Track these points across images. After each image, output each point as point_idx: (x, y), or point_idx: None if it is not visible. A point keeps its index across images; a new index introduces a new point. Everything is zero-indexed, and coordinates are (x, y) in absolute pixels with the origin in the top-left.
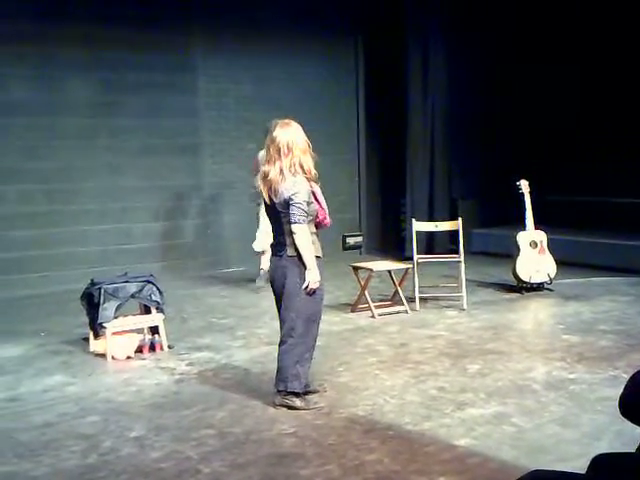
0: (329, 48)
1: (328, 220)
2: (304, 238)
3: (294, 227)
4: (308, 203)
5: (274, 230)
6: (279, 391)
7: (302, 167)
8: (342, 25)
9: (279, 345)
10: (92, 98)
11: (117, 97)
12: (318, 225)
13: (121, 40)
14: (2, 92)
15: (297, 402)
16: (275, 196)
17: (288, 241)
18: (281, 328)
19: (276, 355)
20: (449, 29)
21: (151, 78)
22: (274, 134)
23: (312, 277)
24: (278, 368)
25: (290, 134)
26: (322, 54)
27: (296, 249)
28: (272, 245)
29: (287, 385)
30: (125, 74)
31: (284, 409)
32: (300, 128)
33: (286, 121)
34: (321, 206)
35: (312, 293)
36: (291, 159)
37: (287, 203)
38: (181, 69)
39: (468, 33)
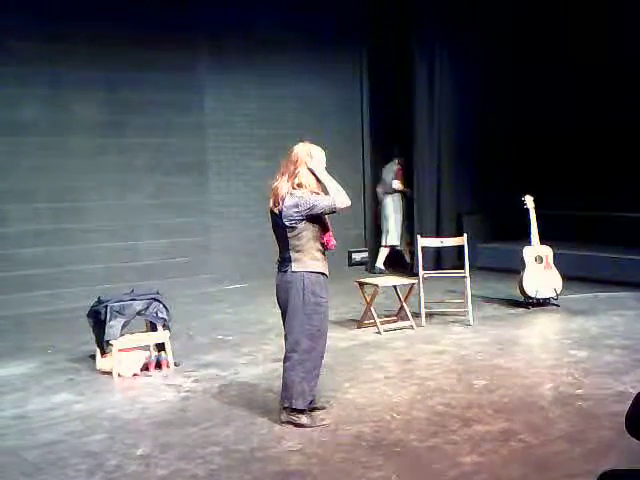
0: (333, 62)
1: (333, 242)
2: (344, 197)
3: (337, 204)
4: (312, 215)
5: (279, 246)
6: (284, 408)
7: (307, 183)
8: (346, 39)
9: (284, 361)
10: (100, 117)
11: (124, 116)
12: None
13: (128, 60)
14: (11, 112)
15: (303, 419)
16: (282, 205)
17: (293, 257)
18: (286, 344)
19: (282, 372)
20: (455, 44)
21: (158, 97)
22: (293, 148)
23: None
24: (283, 384)
25: (304, 150)
26: (326, 69)
27: (299, 265)
28: (278, 261)
29: (292, 402)
30: (132, 93)
31: (290, 426)
32: (319, 150)
33: (309, 141)
34: (326, 225)
35: (299, 316)
36: (299, 174)
37: (298, 213)
38: (187, 88)
39: (474, 49)
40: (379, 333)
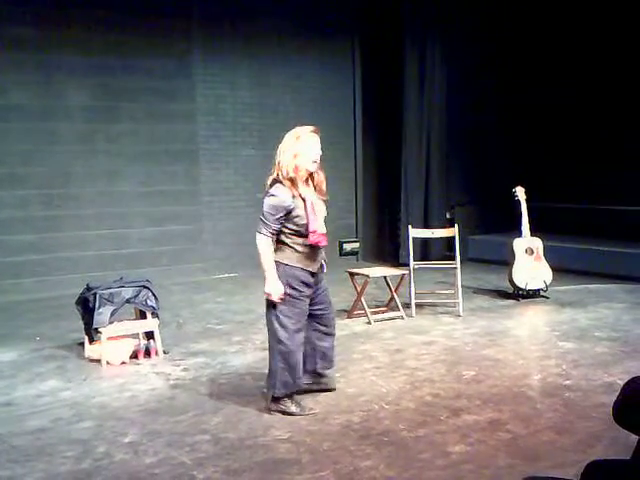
0: (326, 53)
1: (316, 239)
2: (260, 247)
3: (256, 235)
4: (287, 217)
5: None
6: (272, 397)
7: (295, 171)
8: (339, 28)
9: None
10: (90, 103)
11: (115, 102)
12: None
13: (119, 46)
14: (0, 97)
15: (292, 408)
16: None
17: (276, 245)
18: None
19: None
20: (446, 33)
21: (149, 84)
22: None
23: (267, 288)
24: (268, 372)
25: (292, 134)
26: (319, 59)
27: (279, 255)
28: None
29: (275, 391)
30: (123, 80)
31: (279, 415)
32: (308, 131)
33: (299, 128)
34: (309, 223)
35: (273, 306)
36: (281, 157)
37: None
38: (179, 75)
39: (465, 37)
40: (369, 323)
